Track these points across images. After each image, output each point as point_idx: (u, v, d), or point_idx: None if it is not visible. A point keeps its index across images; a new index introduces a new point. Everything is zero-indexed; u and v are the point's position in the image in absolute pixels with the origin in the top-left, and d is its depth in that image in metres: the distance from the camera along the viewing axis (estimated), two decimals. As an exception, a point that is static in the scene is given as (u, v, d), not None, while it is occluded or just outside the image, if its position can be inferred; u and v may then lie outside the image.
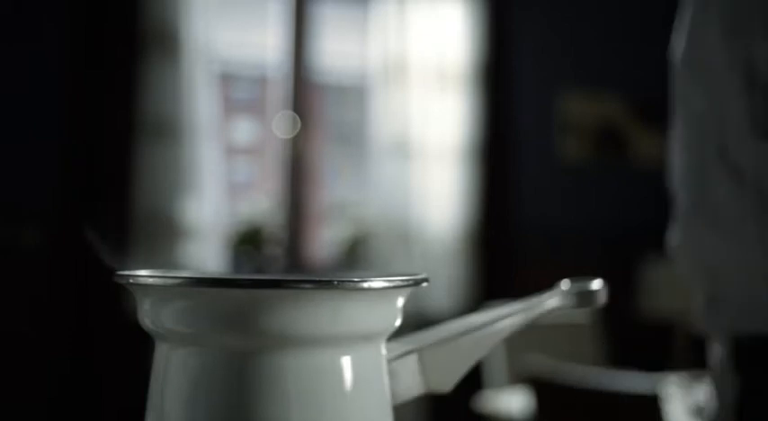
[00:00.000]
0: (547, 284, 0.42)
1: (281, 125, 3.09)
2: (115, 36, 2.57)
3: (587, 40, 3.61)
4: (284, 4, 3.05)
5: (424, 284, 0.35)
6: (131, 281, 0.34)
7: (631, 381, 1.69)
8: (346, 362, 0.33)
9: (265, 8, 3.28)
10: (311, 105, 3.08)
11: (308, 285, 0.32)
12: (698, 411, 1.80)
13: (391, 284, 0.34)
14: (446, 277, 3.07)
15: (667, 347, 3.33)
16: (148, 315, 0.34)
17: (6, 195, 2.63)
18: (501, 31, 3.14)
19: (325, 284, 0.32)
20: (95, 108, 2.56)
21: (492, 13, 3.11)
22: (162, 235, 2.62)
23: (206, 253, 2.68)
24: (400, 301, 0.35)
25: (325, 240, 3.10)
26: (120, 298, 2.38)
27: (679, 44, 0.81)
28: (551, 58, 3.53)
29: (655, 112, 3.70)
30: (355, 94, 3.32)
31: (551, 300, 0.39)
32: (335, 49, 3.13)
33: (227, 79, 3.21)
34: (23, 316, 2.62)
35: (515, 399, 1.95)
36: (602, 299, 0.40)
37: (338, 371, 0.33)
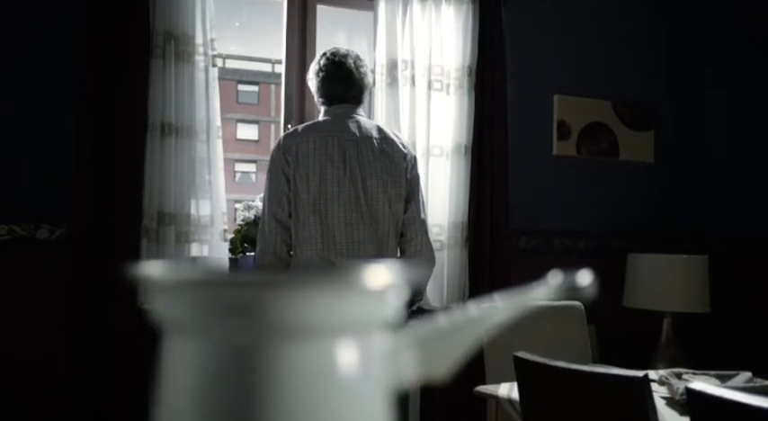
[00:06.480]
0: (540, 277, 0.41)
1: (284, 124, 3.10)
2: (126, 39, 2.59)
3: (578, 47, 3.63)
4: (289, 8, 3.06)
5: (423, 278, 0.35)
6: (142, 275, 0.34)
7: (617, 370, 1.68)
8: (346, 352, 0.34)
9: (270, 11, 3.30)
10: (314, 105, 3.10)
11: (306, 279, 0.32)
12: (680, 401, 1.81)
13: (391, 277, 0.34)
14: (442, 270, 3.08)
15: (654, 339, 3.36)
16: (158, 308, 0.35)
17: (24, 191, 2.68)
18: (494, 36, 3.17)
19: (323, 277, 0.33)
20: (108, 108, 2.60)
21: (485, 20, 3.16)
22: (171, 230, 2.64)
23: (213, 248, 2.73)
24: (399, 294, 0.36)
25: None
26: (131, 291, 2.40)
27: None
28: (543, 63, 3.55)
29: (641, 115, 3.72)
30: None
31: (540, 293, 0.39)
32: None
33: (233, 80, 3.22)
34: (39, 305, 2.63)
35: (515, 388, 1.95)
36: (591, 292, 0.38)
37: (338, 362, 0.34)
